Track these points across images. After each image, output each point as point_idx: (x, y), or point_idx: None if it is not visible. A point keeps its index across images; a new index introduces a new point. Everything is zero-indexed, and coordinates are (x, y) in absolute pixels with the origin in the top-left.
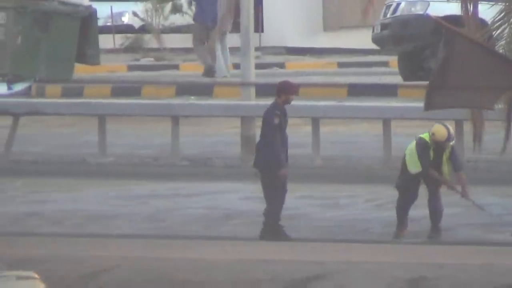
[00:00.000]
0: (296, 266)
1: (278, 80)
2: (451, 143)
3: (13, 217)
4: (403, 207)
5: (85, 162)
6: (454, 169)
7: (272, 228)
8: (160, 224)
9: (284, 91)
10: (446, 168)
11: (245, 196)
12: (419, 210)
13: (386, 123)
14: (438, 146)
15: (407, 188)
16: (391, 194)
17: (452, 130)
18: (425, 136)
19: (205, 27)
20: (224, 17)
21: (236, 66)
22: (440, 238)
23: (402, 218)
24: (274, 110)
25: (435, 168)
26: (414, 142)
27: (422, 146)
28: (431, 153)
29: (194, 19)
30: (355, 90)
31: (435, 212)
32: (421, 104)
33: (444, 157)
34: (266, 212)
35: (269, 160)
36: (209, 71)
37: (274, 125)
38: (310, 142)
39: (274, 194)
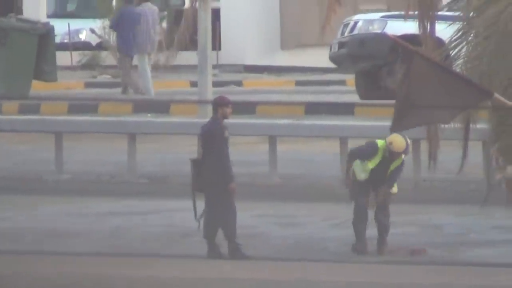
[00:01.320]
0: (253, 285)
1: (235, 98)
2: (404, 157)
3: None
4: (359, 218)
5: (41, 179)
6: (387, 182)
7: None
8: (118, 241)
9: (219, 104)
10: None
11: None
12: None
13: (343, 141)
14: (392, 157)
15: (359, 197)
16: (348, 212)
17: (409, 143)
18: (379, 142)
19: (129, 56)
20: (144, 40)
21: (193, 83)
22: (386, 250)
23: (360, 233)
24: (218, 125)
25: (379, 176)
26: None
27: (370, 146)
28: (377, 159)
29: (117, 50)
30: (313, 109)
31: (382, 224)
32: (378, 123)
33: (392, 168)
34: (228, 233)
35: (220, 174)
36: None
37: (224, 138)
38: (268, 160)
39: (225, 211)
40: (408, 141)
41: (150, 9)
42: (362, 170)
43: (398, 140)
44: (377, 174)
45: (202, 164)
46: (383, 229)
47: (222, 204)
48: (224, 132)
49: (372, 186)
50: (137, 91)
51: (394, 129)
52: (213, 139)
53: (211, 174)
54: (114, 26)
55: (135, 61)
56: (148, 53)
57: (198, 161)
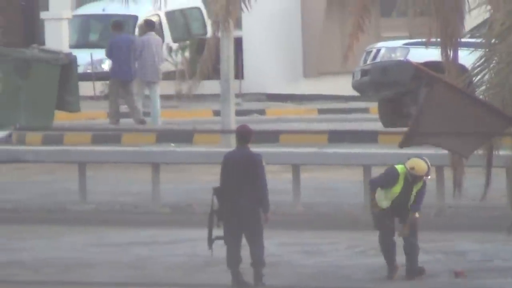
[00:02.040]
0: None
1: (258, 127)
2: (426, 178)
3: None
4: (386, 245)
5: (65, 209)
6: (413, 207)
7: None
8: (140, 271)
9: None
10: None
11: (223, 244)
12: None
13: (367, 169)
14: (415, 180)
15: (383, 224)
16: (372, 240)
17: (429, 165)
18: (399, 167)
19: (123, 81)
20: (151, 67)
21: (216, 112)
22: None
23: (391, 259)
24: (256, 153)
25: (403, 202)
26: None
27: (390, 174)
28: (399, 186)
29: (111, 75)
30: (336, 137)
31: (411, 250)
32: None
33: (415, 191)
34: (259, 259)
35: (258, 203)
36: (139, 121)
37: (264, 168)
38: (291, 189)
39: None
40: (428, 162)
41: (154, 39)
42: (384, 198)
43: (419, 164)
44: (400, 199)
45: (232, 192)
46: (413, 254)
47: (258, 233)
48: (263, 162)
49: (396, 213)
50: (113, 119)
51: (401, 145)
52: (261, 167)
53: (249, 203)
54: (108, 55)
55: (135, 87)
56: (153, 81)
57: (219, 189)
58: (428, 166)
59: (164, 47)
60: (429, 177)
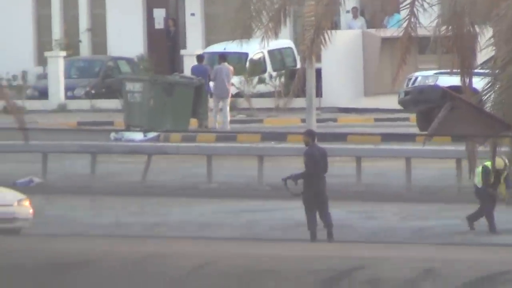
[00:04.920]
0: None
1: (332, 130)
2: (507, 171)
3: (146, 225)
4: (489, 211)
5: (197, 187)
6: (507, 186)
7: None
8: (251, 231)
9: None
10: (503, 187)
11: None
12: None
13: (408, 161)
14: (497, 172)
15: (485, 196)
16: (412, 210)
17: (507, 162)
18: (487, 163)
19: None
20: (223, 87)
21: (303, 120)
22: None
23: (491, 221)
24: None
25: (494, 186)
26: (480, 167)
27: (485, 170)
28: (492, 176)
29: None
30: (386, 137)
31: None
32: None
33: (502, 179)
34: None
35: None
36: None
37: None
38: (355, 174)
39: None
40: (506, 160)
41: (225, 67)
42: (479, 180)
43: (499, 161)
44: (493, 184)
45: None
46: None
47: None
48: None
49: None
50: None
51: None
52: (326, 159)
53: (324, 183)
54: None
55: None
56: (223, 97)
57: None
58: (505, 162)
59: (267, 74)
60: (508, 170)
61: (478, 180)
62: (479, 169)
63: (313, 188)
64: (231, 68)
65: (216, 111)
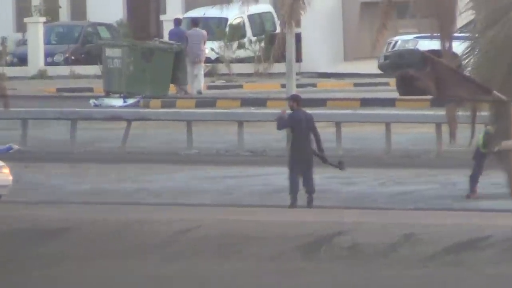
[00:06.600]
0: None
1: (312, 95)
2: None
3: (126, 192)
4: (475, 176)
5: (177, 153)
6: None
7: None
8: (230, 196)
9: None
10: None
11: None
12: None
13: (388, 125)
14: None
15: (479, 160)
16: (391, 175)
17: None
18: (490, 128)
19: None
20: (194, 52)
21: (283, 86)
22: None
23: (473, 185)
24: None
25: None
26: (482, 133)
27: (488, 134)
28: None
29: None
30: (366, 102)
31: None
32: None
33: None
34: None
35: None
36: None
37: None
38: (335, 139)
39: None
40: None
41: (197, 32)
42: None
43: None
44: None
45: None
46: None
47: (312, 170)
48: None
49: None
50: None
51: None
52: (312, 123)
53: (310, 148)
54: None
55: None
56: (196, 63)
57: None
58: None
59: (246, 39)
60: None
61: (479, 144)
62: (480, 135)
63: (298, 153)
64: (204, 32)
65: (192, 77)
